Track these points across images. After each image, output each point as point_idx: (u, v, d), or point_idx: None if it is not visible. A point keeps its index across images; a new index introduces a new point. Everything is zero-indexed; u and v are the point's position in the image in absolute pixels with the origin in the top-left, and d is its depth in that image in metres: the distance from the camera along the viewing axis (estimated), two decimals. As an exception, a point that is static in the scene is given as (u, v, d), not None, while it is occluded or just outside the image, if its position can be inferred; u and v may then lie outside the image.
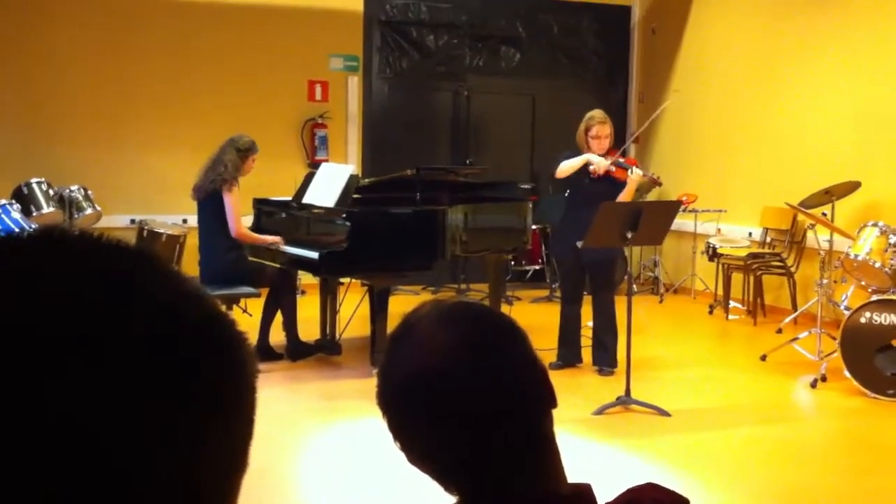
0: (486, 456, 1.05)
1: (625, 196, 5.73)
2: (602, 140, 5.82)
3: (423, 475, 1.08)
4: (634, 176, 5.73)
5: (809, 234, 6.77)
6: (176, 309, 0.51)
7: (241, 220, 5.99)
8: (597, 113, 5.92)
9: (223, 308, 0.55)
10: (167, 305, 0.51)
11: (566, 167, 5.81)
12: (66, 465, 0.45)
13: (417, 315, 1.10)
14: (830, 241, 6.44)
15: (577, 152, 5.88)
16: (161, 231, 7.38)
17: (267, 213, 6.50)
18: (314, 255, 5.63)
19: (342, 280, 6.47)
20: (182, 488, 0.49)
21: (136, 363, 0.48)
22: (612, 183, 5.77)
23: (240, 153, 6.00)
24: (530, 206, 6.61)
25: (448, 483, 1.06)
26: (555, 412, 1.10)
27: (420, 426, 1.06)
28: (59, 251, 0.51)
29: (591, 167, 5.76)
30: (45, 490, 0.45)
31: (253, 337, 5.66)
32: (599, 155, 5.79)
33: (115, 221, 7.83)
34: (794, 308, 7.59)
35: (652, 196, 9.40)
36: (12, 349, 0.46)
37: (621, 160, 5.84)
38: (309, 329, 6.32)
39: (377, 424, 1.10)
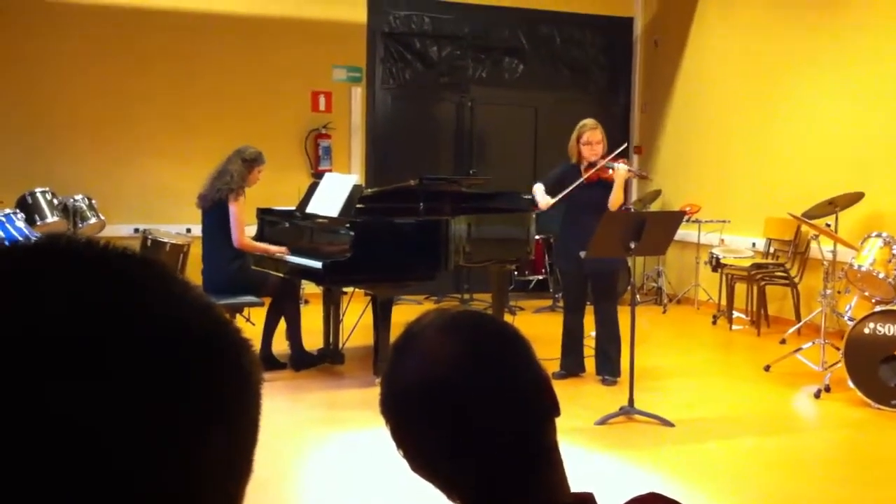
0: (489, 464, 1.05)
1: (614, 192, 5.77)
2: (594, 146, 5.86)
3: (426, 483, 1.08)
4: (620, 169, 5.77)
5: (813, 244, 6.76)
6: (179, 312, 0.52)
7: (244, 230, 6.00)
8: (587, 121, 6.01)
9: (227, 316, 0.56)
10: (170, 309, 0.51)
11: (543, 202, 5.90)
12: (68, 466, 0.45)
13: (420, 324, 1.10)
14: (834, 252, 6.43)
15: (568, 163, 5.98)
16: (165, 240, 7.39)
17: (270, 222, 6.51)
18: (318, 264, 5.63)
19: (345, 289, 6.47)
20: (184, 491, 0.49)
21: (138, 365, 0.48)
22: (604, 186, 5.82)
23: (246, 163, 6.02)
24: (533, 216, 6.61)
25: (451, 491, 1.06)
26: (557, 421, 1.10)
27: (423, 434, 1.06)
28: (63, 256, 0.51)
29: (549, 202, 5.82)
30: (46, 491, 0.45)
31: (256, 346, 5.66)
32: (593, 160, 5.83)
33: (119, 230, 7.85)
34: (798, 318, 7.58)
35: (656, 206, 9.41)
36: (14, 350, 0.46)
37: (612, 163, 5.85)
38: (312, 338, 6.32)
39: (380, 433, 1.10)
